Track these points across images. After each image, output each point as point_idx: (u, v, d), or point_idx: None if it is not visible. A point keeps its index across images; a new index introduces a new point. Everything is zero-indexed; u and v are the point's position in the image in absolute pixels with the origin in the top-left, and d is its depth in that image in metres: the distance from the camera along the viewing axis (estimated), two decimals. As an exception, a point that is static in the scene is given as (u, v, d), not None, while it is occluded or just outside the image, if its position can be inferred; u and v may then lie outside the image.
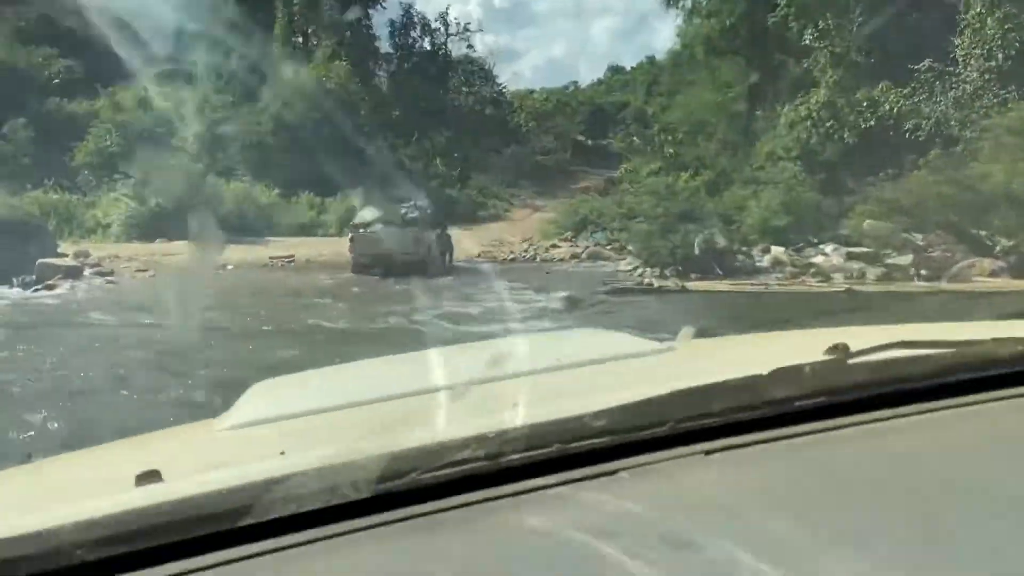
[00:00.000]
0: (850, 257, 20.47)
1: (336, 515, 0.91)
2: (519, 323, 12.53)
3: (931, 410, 1.09)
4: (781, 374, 1.07)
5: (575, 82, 63.66)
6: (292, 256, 26.01)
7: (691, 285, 15.93)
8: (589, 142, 47.25)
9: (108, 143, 38.94)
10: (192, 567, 0.86)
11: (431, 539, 0.90)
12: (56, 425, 6.75)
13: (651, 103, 50.94)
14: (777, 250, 22.54)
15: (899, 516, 0.86)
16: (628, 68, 67.11)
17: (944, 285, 17.39)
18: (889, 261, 20.10)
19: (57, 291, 18.47)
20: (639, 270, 20.70)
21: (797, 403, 1.07)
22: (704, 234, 20.37)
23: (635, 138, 43.83)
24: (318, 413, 1.48)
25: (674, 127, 39.89)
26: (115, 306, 15.41)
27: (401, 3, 43.41)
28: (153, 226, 30.35)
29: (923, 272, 18.49)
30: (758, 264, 20.40)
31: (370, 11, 42.05)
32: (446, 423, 1.24)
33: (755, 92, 36.75)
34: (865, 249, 20.84)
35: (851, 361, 1.14)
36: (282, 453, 1.10)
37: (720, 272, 19.43)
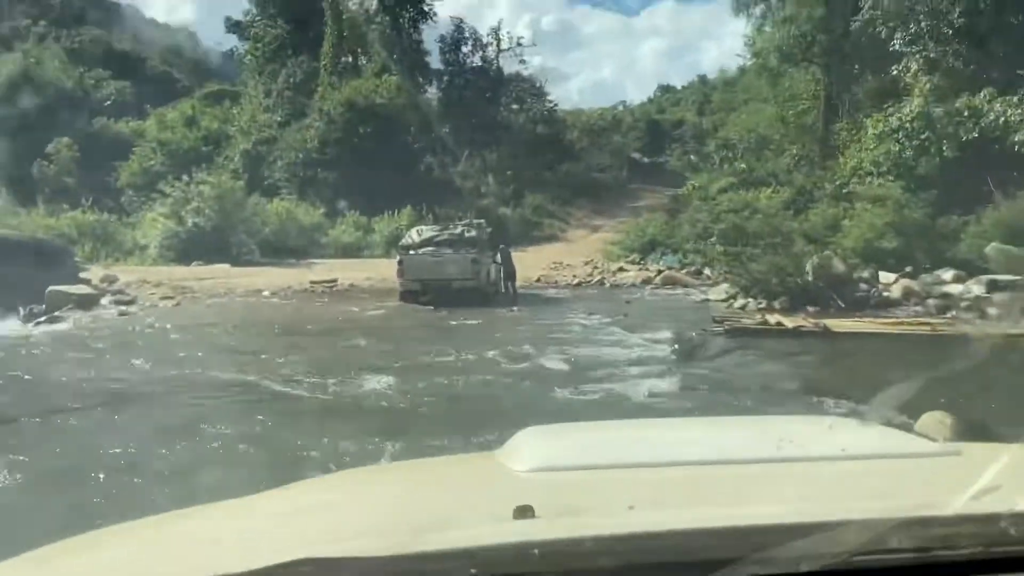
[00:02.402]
0: (993, 287, 16.19)
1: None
2: (632, 383, 8.60)
3: None
4: None
5: (624, 102, 59.91)
6: (334, 281, 22.35)
7: (833, 324, 11.81)
8: (645, 159, 43.22)
9: (152, 162, 35.95)
10: None
11: None
12: None
13: (706, 120, 46.98)
14: (887, 276, 18.33)
15: None
16: (679, 87, 63.32)
17: None
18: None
19: (60, 325, 15.00)
20: (739, 301, 16.62)
21: None
22: (819, 257, 16.26)
23: (692, 156, 39.86)
24: (615, 468, 1.41)
25: (734, 143, 35.86)
26: (111, 348, 11.81)
27: (452, 19, 39.97)
28: (191, 248, 27.00)
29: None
30: (885, 294, 16.18)
31: (420, 26, 38.62)
32: (795, 502, 1.13)
33: (830, 103, 32.52)
34: (1011, 277, 16.55)
35: None
36: (631, 507, 1.10)
37: (842, 304, 15.28)
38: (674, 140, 43.53)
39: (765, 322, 11.69)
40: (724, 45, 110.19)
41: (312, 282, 22.26)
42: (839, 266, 16.23)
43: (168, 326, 14.14)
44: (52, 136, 36.47)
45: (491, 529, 0.99)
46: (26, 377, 9.57)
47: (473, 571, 0.88)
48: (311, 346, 11.78)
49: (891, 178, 25.41)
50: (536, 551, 0.91)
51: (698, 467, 1.40)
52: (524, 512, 1.04)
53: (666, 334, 12.07)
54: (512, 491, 1.10)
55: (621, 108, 56.09)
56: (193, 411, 7.56)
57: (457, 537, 0.97)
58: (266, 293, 20.60)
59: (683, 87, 62.38)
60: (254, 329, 13.79)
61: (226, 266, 25.76)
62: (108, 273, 22.46)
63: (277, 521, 1.30)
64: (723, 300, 17.51)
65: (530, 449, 1.53)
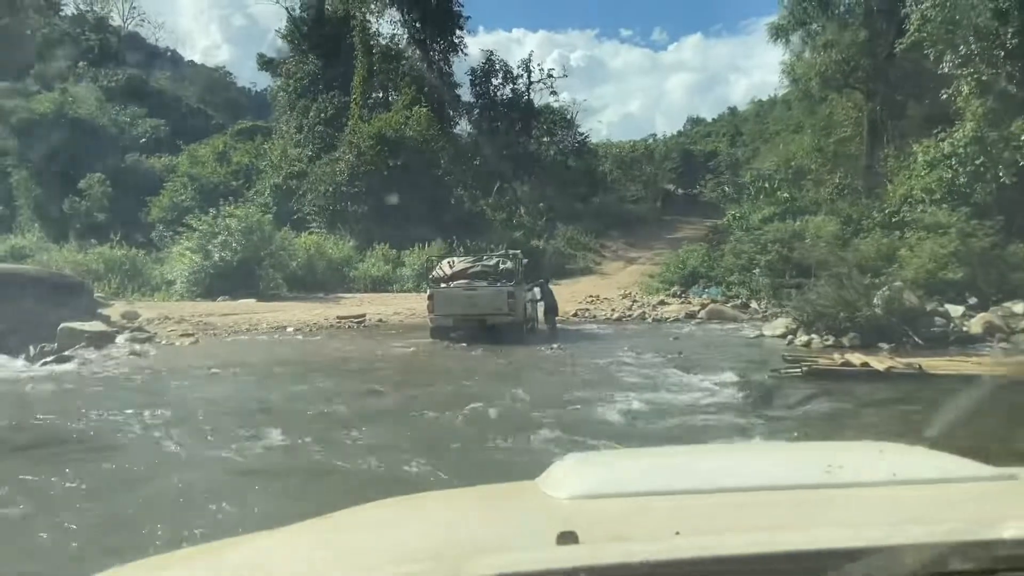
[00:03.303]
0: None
1: None
2: (710, 439, 6.94)
3: None
4: None
5: (653, 135, 58.53)
6: (363, 316, 20.92)
7: (928, 365, 9.97)
8: (679, 191, 41.63)
9: (183, 196, 35.05)
10: None
11: None
12: None
13: (740, 152, 45.41)
14: (954, 309, 16.46)
15: None
16: (709, 120, 61.90)
17: None
18: None
19: (66, 365, 13.65)
20: (801, 336, 14.88)
21: None
22: (890, 289, 14.49)
23: (726, 187, 38.19)
24: (659, 495, 1.35)
25: (770, 174, 34.12)
26: (101, 393, 10.35)
27: (483, 51, 38.97)
28: (217, 282, 25.79)
29: None
30: (963, 329, 14.33)
31: (451, 58, 37.63)
32: (831, 527, 1.08)
33: (874, 130, 30.75)
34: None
35: None
36: (677, 533, 1.06)
37: (918, 340, 13.48)
38: (708, 171, 41.89)
39: (847, 363, 9.95)
40: (753, 78, 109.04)
41: (339, 317, 20.86)
42: (911, 298, 14.42)
43: (177, 367, 12.71)
44: (85, 172, 35.86)
45: (536, 555, 0.97)
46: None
47: None
48: (323, 393, 10.23)
49: (944, 206, 23.65)
50: (584, 572, 0.88)
51: (744, 493, 1.33)
52: (567, 538, 1.01)
53: (732, 376, 10.38)
54: (555, 518, 1.09)
55: (652, 141, 54.75)
56: (134, 473, 6.05)
57: (505, 562, 0.95)
58: (290, 330, 19.21)
59: (713, 119, 60.95)
60: (270, 371, 12.30)
61: (252, 301, 24.52)
62: (130, 309, 21.24)
63: (329, 547, 1.28)
64: (780, 335, 15.77)
65: (571, 477, 1.48)
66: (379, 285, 27.81)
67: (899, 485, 1.35)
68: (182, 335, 18.25)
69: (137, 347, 15.68)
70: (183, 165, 37.16)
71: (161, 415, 8.17)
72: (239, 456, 6.58)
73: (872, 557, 0.88)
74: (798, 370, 9.86)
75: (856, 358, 9.96)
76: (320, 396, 9.66)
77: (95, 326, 16.72)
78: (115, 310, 20.89)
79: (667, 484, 1.40)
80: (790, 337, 15.40)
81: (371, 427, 7.53)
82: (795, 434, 7.01)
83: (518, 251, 18.65)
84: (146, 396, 9.92)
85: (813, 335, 14.56)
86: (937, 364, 9.92)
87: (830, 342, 14.04)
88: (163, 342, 17.00)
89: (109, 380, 11.48)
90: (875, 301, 14.40)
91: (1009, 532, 0.96)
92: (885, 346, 13.34)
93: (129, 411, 8.50)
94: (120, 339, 16.93)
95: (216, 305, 23.82)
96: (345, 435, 7.20)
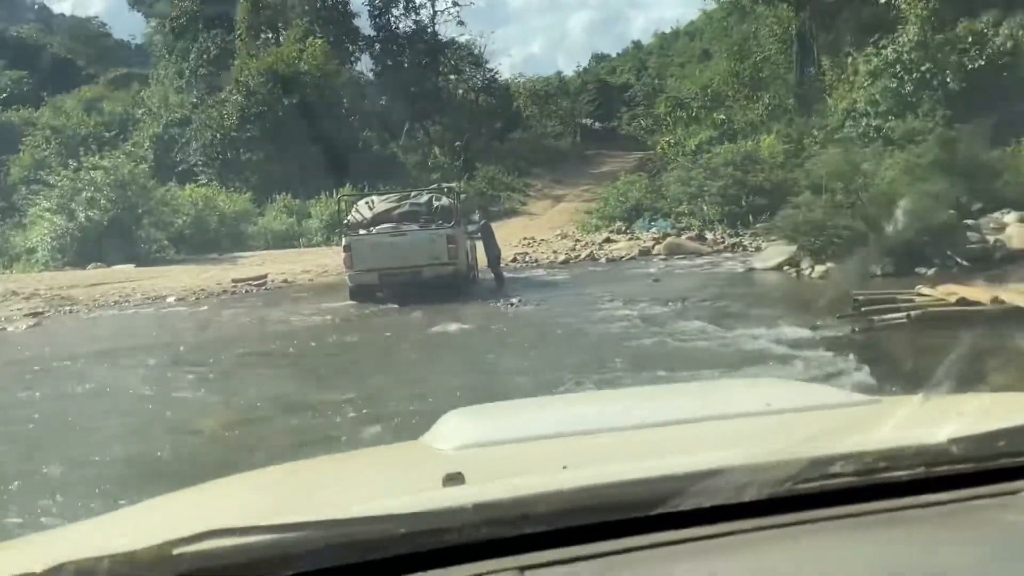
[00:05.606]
0: None
1: (739, 513, 0.87)
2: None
3: None
4: None
5: (560, 72, 54.39)
6: (263, 277, 16.47)
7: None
8: (596, 125, 38.01)
9: (46, 152, 28.85)
10: (599, 551, 0.82)
11: (844, 541, 0.86)
12: None
13: (654, 82, 42.19)
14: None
15: None
16: (613, 55, 58.23)
17: None
18: None
19: None
20: (812, 268, 11.60)
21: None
22: (912, 201, 11.31)
23: (641, 119, 34.80)
24: (544, 439, 1.29)
25: (688, 102, 30.83)
26: None
27: (381, -21, 33.50)
28: (86, 247, 20.62)
29: None
30: (1009, 246, 11.30)
31: (346, -16, 32.25)
32: (710, 451, 1.05)
33: (803, 44, 27.78)
34: None
35: None
36: (564, 467, 1.02)
37: (963, 262, 10.39)
38: (624, 104, 38.31)
39: (963, 300, 6.64)
40: (651, 13, 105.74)
41: (235, 281, 16.35)
42: (941, 214, 11.30)
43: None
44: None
45: (422, 497, 0.90)
46: None
47: (402, 531, 0.82)
48: (203, 393, 6.11)
49: (891, 117, 20.96)
50: (471, 506, 0.84)
51: (629, 431, 1.31)
52: (454, 479, 0.95)
53: (796, 330, 6.87)
54: (441, 467, 1.01)
55: (564, 76, 50.73)
56: None
57: (387, 505, 0.88)
58: (171, 299, 14.66)
59: (618, 55, 57.35)
60: (118, 362, 8.00)
61: (130, 267, 19.57)
62: (-36, 287, 16.13)
63: (194, 515, 1.18)
64: (776, 267, 12.48)
65: (456, 430, 1.40)
66: (283, 241, 23.14)
67: (772, 414, 1.34)
68: (27, 314, 13.49)
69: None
70: (44, 117, 30.73)
71: None
72: None
73: (741, 471, 0.87)
74: (901, 317, 6.46)
75: (979, 293, 6.67)
76: (196, 400, 5.54)
77: None
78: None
79: (552, 428, 1.34)
80: (789, 269, 12.12)
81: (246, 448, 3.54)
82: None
83: (453, 184, 14.50)
84: None
85: (828, 264, 11.28)
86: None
87: (855, 270, 10.82)
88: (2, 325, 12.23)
89: None
90: (898, 218, 11.18)
91: (854, 445, 0.96)
92: (925, 271, 10.21)
93: None
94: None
95: (85, 274, 18.83)
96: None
